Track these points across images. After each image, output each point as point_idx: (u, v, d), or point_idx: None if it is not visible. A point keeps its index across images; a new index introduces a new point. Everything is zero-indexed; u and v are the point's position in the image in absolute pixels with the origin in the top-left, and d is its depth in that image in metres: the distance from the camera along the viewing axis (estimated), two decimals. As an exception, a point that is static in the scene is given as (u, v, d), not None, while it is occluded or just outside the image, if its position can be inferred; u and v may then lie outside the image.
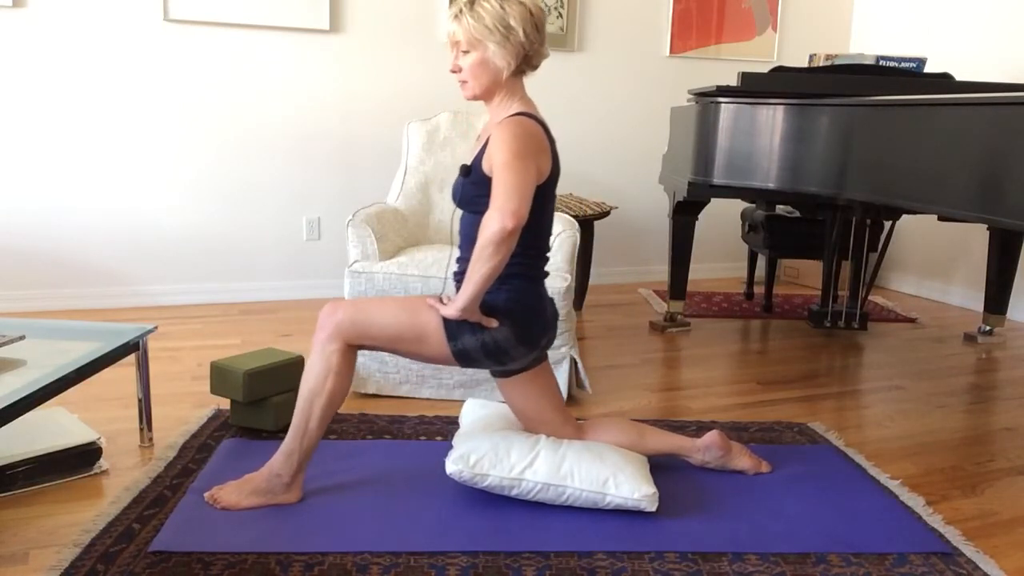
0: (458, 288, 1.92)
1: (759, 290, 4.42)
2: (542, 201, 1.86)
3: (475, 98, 1.91)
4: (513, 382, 2.01)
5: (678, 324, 3.73)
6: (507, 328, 1.86)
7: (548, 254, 1.98)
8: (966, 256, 4.38)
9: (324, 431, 1.90)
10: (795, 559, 1.75)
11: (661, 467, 2.14)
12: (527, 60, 1.89)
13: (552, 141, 1.90)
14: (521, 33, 1.84)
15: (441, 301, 1.87)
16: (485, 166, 1.84)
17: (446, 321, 1.84)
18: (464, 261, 1.95)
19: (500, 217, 1.71)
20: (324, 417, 1.87)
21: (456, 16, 1.84)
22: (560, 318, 2.61)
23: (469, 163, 1.89)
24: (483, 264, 1.74)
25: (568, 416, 2.09)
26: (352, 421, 2.45)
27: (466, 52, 1.85)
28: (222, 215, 3.95)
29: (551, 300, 2.01)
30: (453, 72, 1.90)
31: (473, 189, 1.87)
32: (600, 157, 4.62)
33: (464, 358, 1.88)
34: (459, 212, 1.99)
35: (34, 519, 1.83)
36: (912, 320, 4.03)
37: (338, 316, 1.85)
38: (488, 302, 1.85)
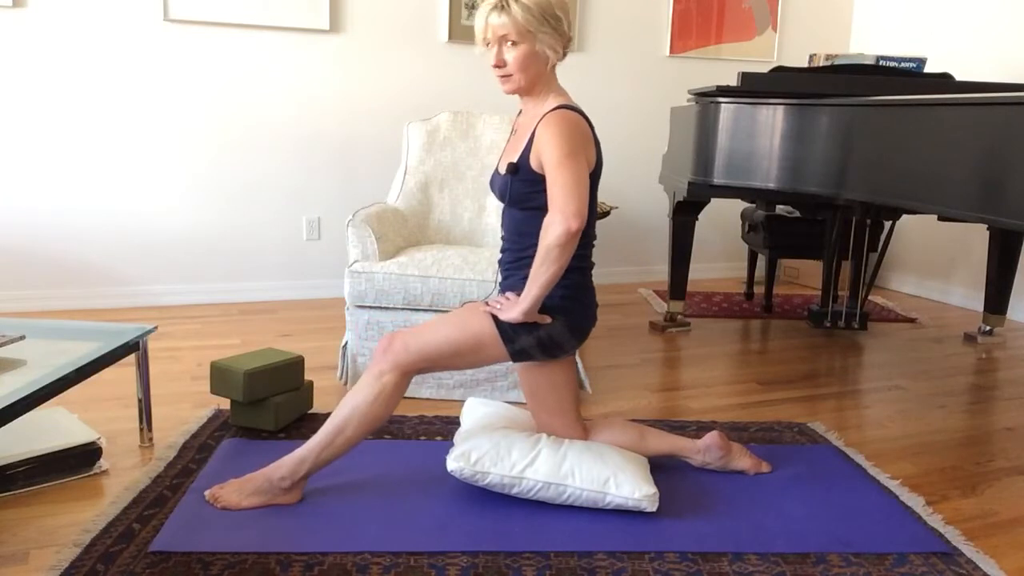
0: (504, 277, 1.95)
1: (759, 290, 4.42)
2: (591, 190, 1.87)
3: (518, 92, 1.89)
4: (544, 370, 1.99)
5: (678, 324, 3.73)
6: (561, 323, 1.88)
7: (595, 241, 2.00)
8: (966, 256, 4.38)
9: (345, 452, 1.89)
10: (795, 559, 1.75)
11: (661, 467, 2.14)
12: (564, 50, 1.89)
13: (593, 129, 1.90)
14: (565, 22, 1.85)
15: (487, 304, 1.89)
16: (533, 163, 1.85)
17: (500, 324, 1.85)
18: (509, 252, 1.97)
19: (564, 220, 1.73)
20: (355, 437, 1.87)
21: (500, 8, 1.81)
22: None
23: (515, 160, 1.89)
24: (549, 266, 1.76)
25: (580, 416, 2.09)
26: (352, 421, 2.45)
27: (514, 44, 1.82)
28: (222, 215, 3.95)
29: (594, 287, 2.03)
30: (497, 67, 1.85)
31: (524, 187, 1.88)
32: (600, 157, 4.62)
33: (521, 356, 1.91)
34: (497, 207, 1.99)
35: (34, 519, 1.83)
36: (912, 320, 4.03)
37: (395, 348, 1.86)
38: (543, 299, 1.86)
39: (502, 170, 1.94)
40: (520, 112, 2.02)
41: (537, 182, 1.85)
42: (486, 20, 1.84)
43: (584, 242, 1.92)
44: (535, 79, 1.88)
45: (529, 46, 1.83)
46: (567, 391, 2.04)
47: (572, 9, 4.36)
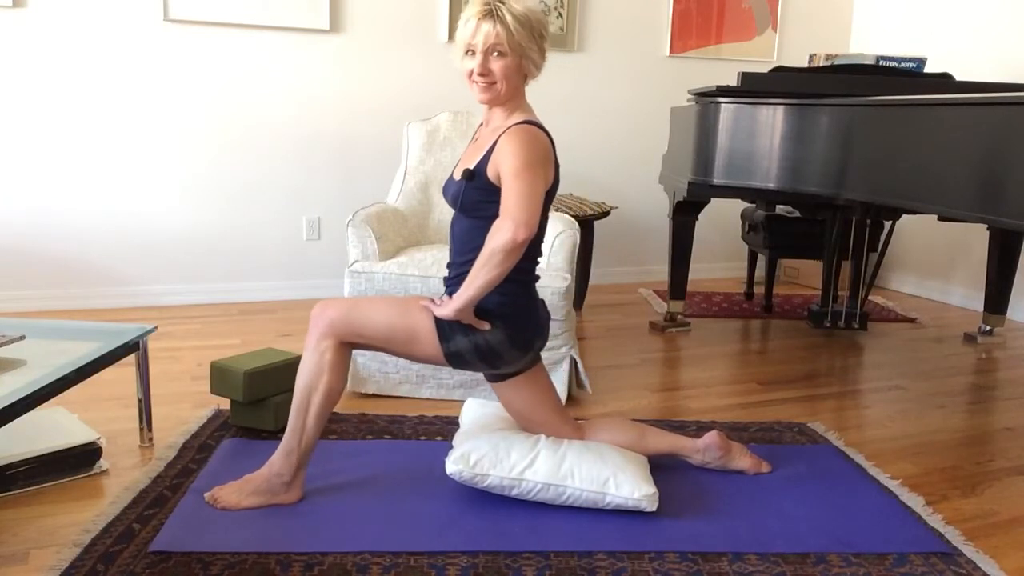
0: (449, 294, 1.91)
1: (759, 290, 4.42)
2: (543, 208, 1.86)
3: (494, 102, 1.87)
4: (508, 385, 2.01)
5: (678, 324, 3.73)
6: (500, 331, 1.85)
7: (540, 258, 1.98)
8: (966, 256, 4.38)
9: (322, 429, 1.90)
10: (795, 559, 1.75)
11: (661, 467, 2.13)
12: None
13: (555, 149, 1.90)
14: (547, 41, 1.87)
15: (434, 302, 1.87)
16: (490, 172, 1.83)
17: (439, 322, 1.84)
18: (455, 266, 1.94)
19: (512, 227, 1.72)
20: (321, 415, 1.86)
21: (491, 16, 1.78)
22: (560, 318, 2.61)
23: (472, 167, 1.88)
24: (489, 271, 1.75)
25: (566, 416, 2.09)
26: (352, 421, 2.45)
27: (502, 55, 1.81)
28: (222, 215, 3.95)
29: (543, 302, 2.01)
30: (481, 75, 1.82)
31: (477, 194, 1.86)
32: (600, 157, 4.62)
33: (456, 359, 1.87)
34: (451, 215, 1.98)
35: (34, 519, 1.83)
36: (912, 320, 4.03)
37: (330, 313, 1.85)
38: (480, 305, 1.84)
39: (457, 176, 1.91)
40: (481, 124, 2.00)
41: (491, 192, 1.82)
42: (476, 28, 1.80)
43: (529, 256, 1.89)
44: (514, 92, 1.87)
45: (516, 59, 1.82)
46: (541, 403, 2.02)
47: (572, 9, 4.37)
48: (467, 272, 1.85)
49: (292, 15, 3.85)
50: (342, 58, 4.01)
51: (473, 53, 1.82)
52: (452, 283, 1.93)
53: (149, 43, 3.71)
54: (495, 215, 1.80)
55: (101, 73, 3.66)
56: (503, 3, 1.80)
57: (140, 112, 3.75)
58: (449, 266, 1.98)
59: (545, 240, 2.78)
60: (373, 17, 4.03)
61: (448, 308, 1.81)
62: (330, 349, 1.84)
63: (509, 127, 1.84)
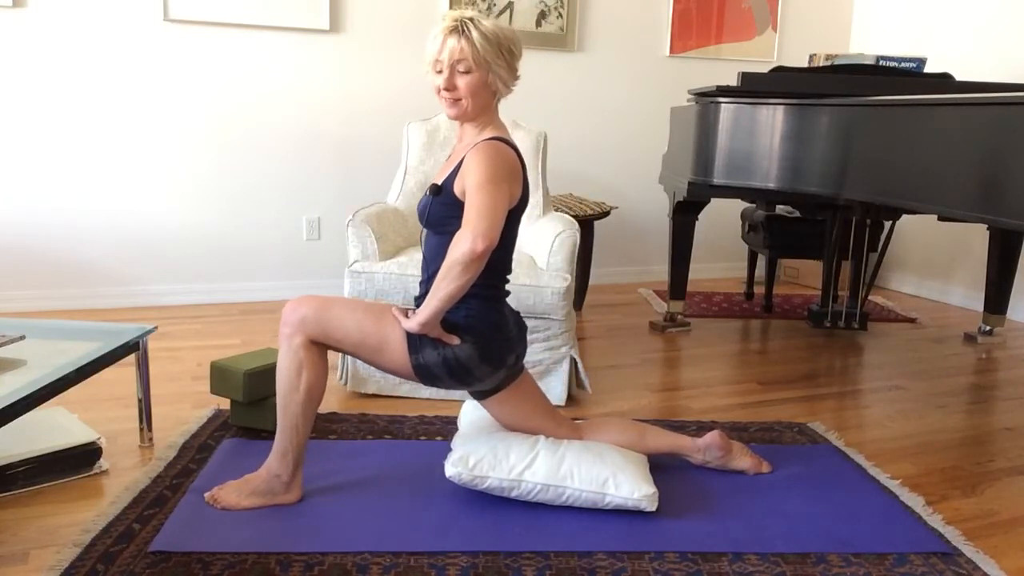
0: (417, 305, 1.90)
1: (759, 290, 4.42)
2: (510, 225, 1.85)
3: (463, 118, 1.88)
4: (494, 401, 2.00)
5: (678, 324, 3.73)
6: (469, 345, 1.84)
7: (510, 276, 1.97)
8: (966, 256, 4.38)
9: (311, 426, 1.89)
10: (795, 559, 1.75)
11: (661, 467, 2.14)
12: (512, 86, 1.90)
13: (524, 168, 1.89)
14: (518, 59, 1.86)
15: (406, 314, 1.86)
16: (457, 188, 1.83)
17: (409, 334, 1.83)
18: (424, 283, 1.93)
19: (471, 238, 1.71)
20: (306, 412, 1.86)
21: (457, 32, 1.79)
22: (560, 318, 2.61)
23: (440, 182, 1.88)
24: (449, 283, 1.73)
25: (560, 419, 2.08)
26: (352, 421, 2.45)
27: (466, 72, 1.81)
28: (222, 215, 3.95)
29: (517, 315, 2.00)
30: (447, 90, 1.83)
31: (443, 210, 1.86)
32: (600, 157, 4.62)
33: (425, 373, 1.86)
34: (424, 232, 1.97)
35: (34, 519, 1.83)
36: (912, 320, 4.03)
37: (302, 311, 1.84)
38: (448, 319, 1.83)
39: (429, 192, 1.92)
40: (458, 140, 2.00)
41: (457, 207, 1.82)
42: (443, 43, 1.81)
43: (495, 272, 1.88)
44: (482, 108, 1.86)
45: (482, 75, 1.82)
46: (530, 411, 2.02)
47: (572, 9, 4.37)
48: None
49: (292, 15, 3.86)
50: (342, 58, 4.01)
51: (440, 69, 1.83)
52: (422, 300, 1.90)
53: (149, 43, 3.71)
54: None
55: (101, 73, 3.66)
56: (471, 20, 1.81)
57: (140, 112, 3.75)
58: (421, 284, 1.96)
59: (545, 240, 2.78)
60: (373, 17, 4.03)
61: (413, 321, 1.80)
62: (303, 347, 1.83)
63: (477, 143, 1.83)
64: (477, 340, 1.85)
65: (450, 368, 1.84)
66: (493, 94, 1.87)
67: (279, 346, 1.87)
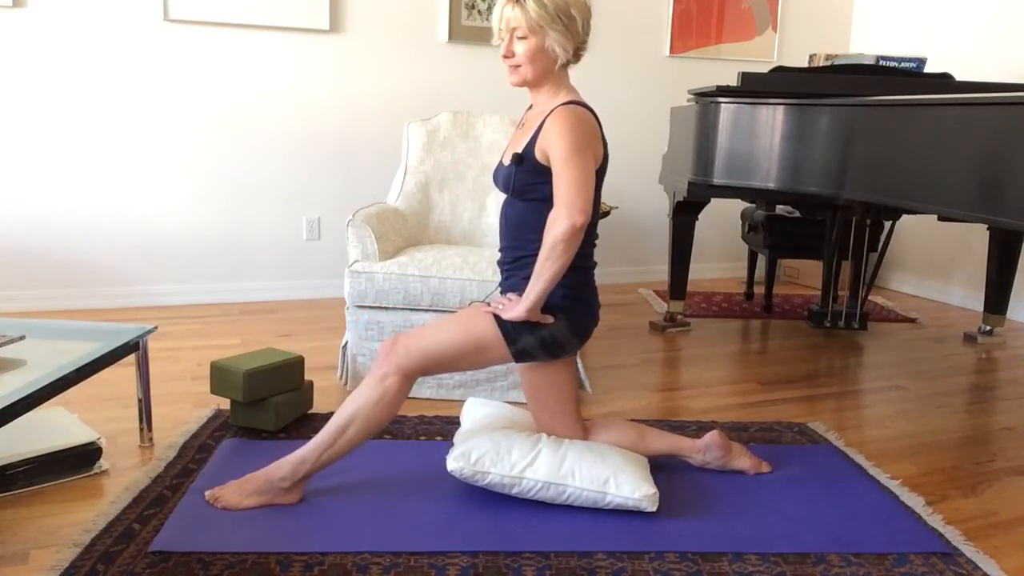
0: (505, 278, 1.96)
1: (759, 290, 4.42)
2: (595, 187, 1.88)
3: (524, 84, 1.91)
4: (545, 370, 2.00)
5: (678, 324, 3.73)
6: (562, 323, 1.89)
7: (596, 241, 2.01)
8: (966, 256, 4.38)
9: (345, 454, 1.90)
10: (795, 559, 1.75)
11: (661, 467, 2.14)
12: (576, 52, 1.91)
13: (601, 126, 1.92)
14: (579, 24, 1.87)
15: (488, 304, 1.89)
16: (539, 154, 1.85)
17: (503, 325, 1.86)
18: (509, 250, 1.97)
19: (569, 214, 1.75)
20: (355, 441, 1.87)
21: (515, 2, 1.84)
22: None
23: (520, 151, 1.89)
24: (553, 263, 1.77)
25: (580, 416, 2.09)
26: (352, 421, 2.45)
27: (523, 38, 1.85)
28: (222, 215, 3.95)
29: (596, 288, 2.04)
30: (506, 57, 1.88)
31: (527, 177, 1.88)
32: (600, 157, 4.62)
33: (523, 356, 1.91)
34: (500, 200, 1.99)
35: (34, 519, 1.83)
36: (912, 320, 4.03)
37: (398, 350, 1.87)
38: (546, 301, 1.86)
39: (506, 161, 1.95)
40: (530, 107, 2.03)
41: (541, 173, 1.85)
42: (500, 12, 1.87)
43: (586, 240, 1.92)
44: (542, 74, 1.89)
45: (538, 41, 1.85)
46: (567, 391, 2.04)
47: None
48: (523, 255, 1.90)
49: (292, 15, 3.86)
50: (342, 58, 4.01)
51: (502, 38, 1.89)
52: (507, 267, 1.97)
53: (149, 43, 3.71)
54: (546, 196, 1.84)
55: (101, 73, 3.66)
56: None
57: (140, 112, 3.75)
58: (502, 250, 2.00)
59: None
60: (373, 17, 4.03)
61: (519, 308, 1.83)
62: (394, 385, 1.86)
63: (553, 109, 1.86)
64: (569, 317, 1.90)
65: (545, 346, 1.89)
66: (554, 60, 1.88)
67: (368, 376, 1.89)
